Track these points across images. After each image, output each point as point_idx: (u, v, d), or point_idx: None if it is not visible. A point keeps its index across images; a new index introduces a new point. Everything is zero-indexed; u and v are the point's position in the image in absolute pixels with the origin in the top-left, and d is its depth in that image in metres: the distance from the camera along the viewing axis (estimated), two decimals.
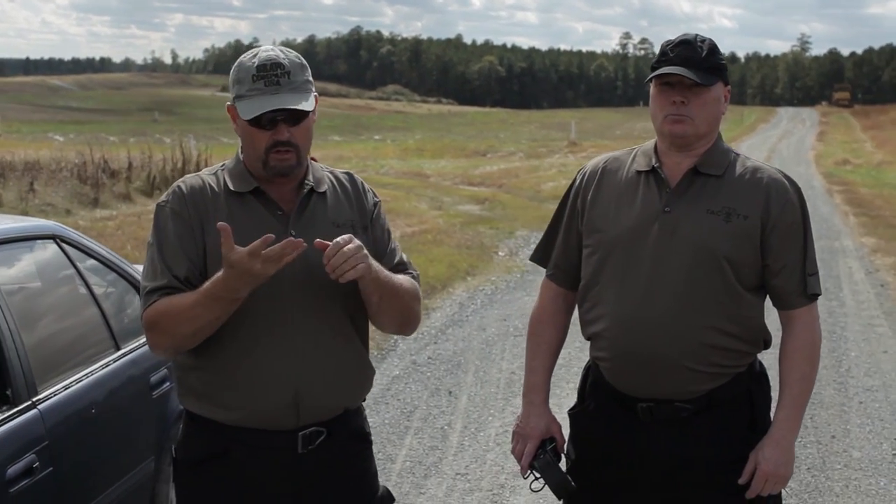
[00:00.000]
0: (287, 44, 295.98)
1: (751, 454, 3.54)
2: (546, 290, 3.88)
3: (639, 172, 3.62)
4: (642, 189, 3.59)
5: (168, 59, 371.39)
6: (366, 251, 3.13)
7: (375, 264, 3.20)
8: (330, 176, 3.47)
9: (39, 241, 4.75)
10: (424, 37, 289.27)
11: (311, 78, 3.34)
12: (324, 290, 3.24)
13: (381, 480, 6.46)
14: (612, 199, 3.64)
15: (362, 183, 3.52)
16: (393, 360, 9.75)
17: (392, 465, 6.95)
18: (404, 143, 54.39)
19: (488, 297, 12.79)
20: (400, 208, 22.39)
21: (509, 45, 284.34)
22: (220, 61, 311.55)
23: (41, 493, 3.89)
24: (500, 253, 16.53)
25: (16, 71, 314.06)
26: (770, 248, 3.52)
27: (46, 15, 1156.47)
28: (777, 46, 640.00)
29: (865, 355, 10.11)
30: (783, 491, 3.67)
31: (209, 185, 3.33)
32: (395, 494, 6.30)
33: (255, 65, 3.24)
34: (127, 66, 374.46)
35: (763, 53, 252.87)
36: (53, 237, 4.79)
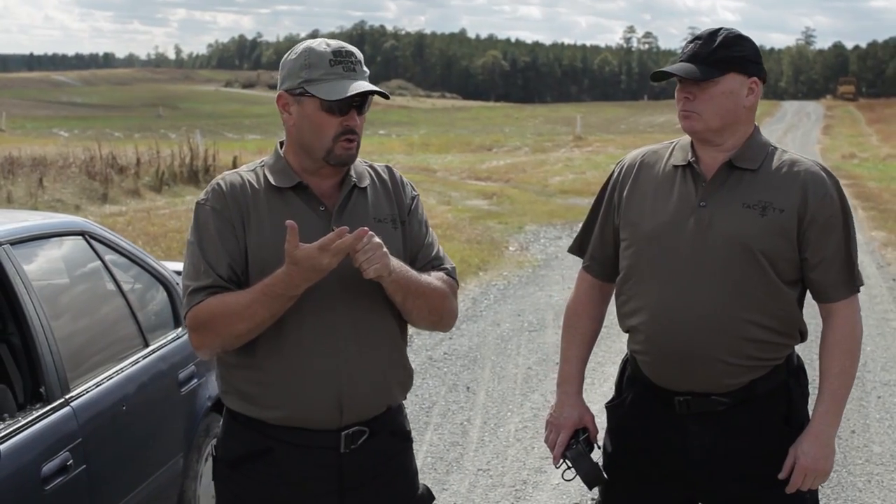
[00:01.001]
0: (291, 38, 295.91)
1: (790, 448, 3.53)
2: (582, 281, 3.88)
3: (675, 167, 3.62)
4: (678, 183, 3.58)
5: (171, 55, 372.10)
6: (385, 251, 3.10)
7: (396, 265, 3.17)
8: (370, 170, 3.46)
9: (69, 238, 4.74)
10: (428, 31, 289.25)
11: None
12: (367, 288, 3.22)
13: None
14: (649, 192, 3.63)
15: (401, 177, 3.51)
16: (409, 356, 9.69)
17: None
18: (409, 137, 54.32)
19: (501, 293, 12.78)
20: None
21: (513, 40, 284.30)
22: (224, 56, 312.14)
23: (75, 491, 3.89)
24: (510, 248, 16.51)
25: (19, 67, 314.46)
26: (808, 242, 3.50)
27: (49, 10, 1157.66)
28: (781, 40, 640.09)
29: (881, 350, 10.09)
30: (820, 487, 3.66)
31: (249, 181, 3.31)
32: None
33: (331, 50, 3.23)
34: (130, 61, 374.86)
35: (767, 47, 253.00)
36: (82, 233, 4.78)
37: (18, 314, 4.00)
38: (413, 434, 7.21)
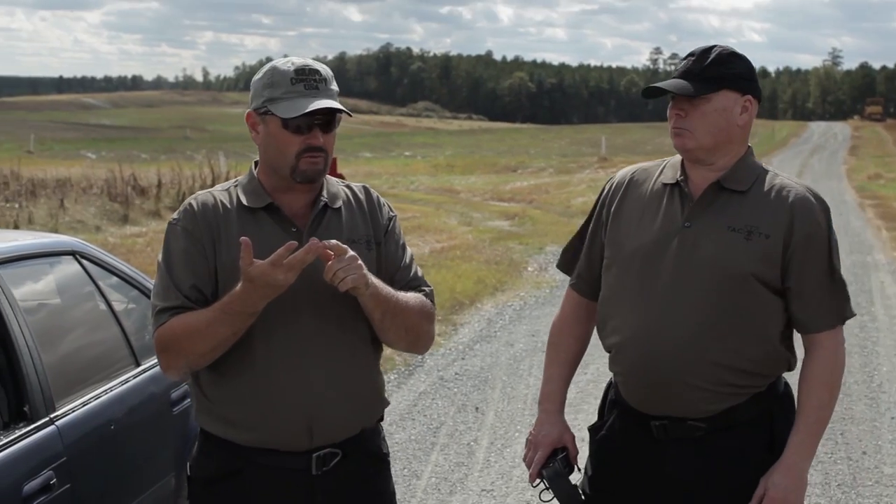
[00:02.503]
0: (318, 61, 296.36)
1: (761, 479, 3.44)
2: (568, 299, 3.83)
3: (665, 185, 3.55)
4: (666, 202, 3.52)
5: (199, 77, 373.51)
6: (360, 263, 3.08)
7: (376, 281, 3.15)
8: (346, 190, 3.43)
9: (59, 257, 4.73)
10: (454, 53, 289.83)
11: (338, 89, 3.33)
12: (337, 308, 3.20)
13: (406, 497, 6.49)
14: (636, 211, 3.57)
15: (378, 197, 3.48)
16: (420, 377, 9.70)
17: (417, 481, 6.90)
18: (435, 159, 54.44)
19: (517, 313, 12.73)
20: (429, 224, 22.42)
21: (539, 61, 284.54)
22: (251, 78, 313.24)
23: None
24: (529, 268, 16.47)
25: (49, 89, 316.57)
26: (791, 270, 3.42)
27: (78, 34, 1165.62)
28: (808, 61, 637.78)
29: None
30: None
31: (221, 201, 3.30)
32: None
33: (293, 69, 3.22)
34: (158, 83, 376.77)
35: (794, 68, 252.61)
36: (73, 253, 4.76)
37: (3, 333, 3.98)
38: (419, 454, 7.30)
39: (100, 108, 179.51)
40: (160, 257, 3.28)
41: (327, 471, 3.26)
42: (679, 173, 3.53)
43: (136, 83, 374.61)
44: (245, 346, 3.16)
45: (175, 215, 3.32)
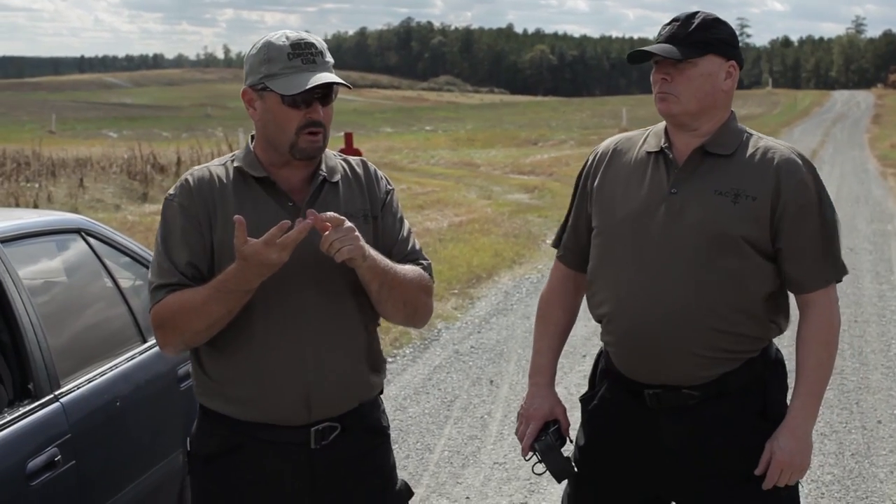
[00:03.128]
0: (338, 37, 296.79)
1: (766, 443, 3.43)
2: (556, 271, 3.83)
3: (648, 153, 3.54)
4: (651, 170, 3.51)
5: (220, 55, 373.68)
6: (357, 234, 3.07)
7: (373, 253, 3.15)
8: (343, 164, 3.42)
9: (64, 235, 4.75)
10: (475, 27, 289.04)
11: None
12: (335, 282, 3.21)
13: (419, 471, 6.51)
14: (621, 180, 3.56)
15: (375, 170, 3.47)
16: (435, 350, 9.72)
17: (430, 454, 6.91)
18: (455, 133, 54.34)
19: (534, 286, 12.71)
20: (449, 198, 22.41)
21: (560, 34, 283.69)
22: None
23: (64, 487, 3.87)
24: (547, 241, 16.40)
25: (71, 69, 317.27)
26: (782, 231, 3.41)
27: (99, 13, 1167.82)
28: (831, 29, 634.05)
29: None
30: (801, 484, 3.56)
31: (217, 176, 3.29)
32: (431, 484, 6.32)
33: (289, 43, 3.19)
34: (179, 62, 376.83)
35: (817, 37, 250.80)
36: (78, 231, 4.77)
37: (7, 311, 4.00)
38: (432, 428, 7.31)
39: (121, 87, 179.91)
40: (157, 233, 3.28)
41: (326, 444, 3.26)
42: (663, 140, 3.52)
43: (157, 62, 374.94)
44: (243, 321, 3.17)
45: (171, 191, 3.32)
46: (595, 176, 3.65)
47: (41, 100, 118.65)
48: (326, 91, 3.19)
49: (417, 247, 3.45)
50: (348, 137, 13.60)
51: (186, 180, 3.30)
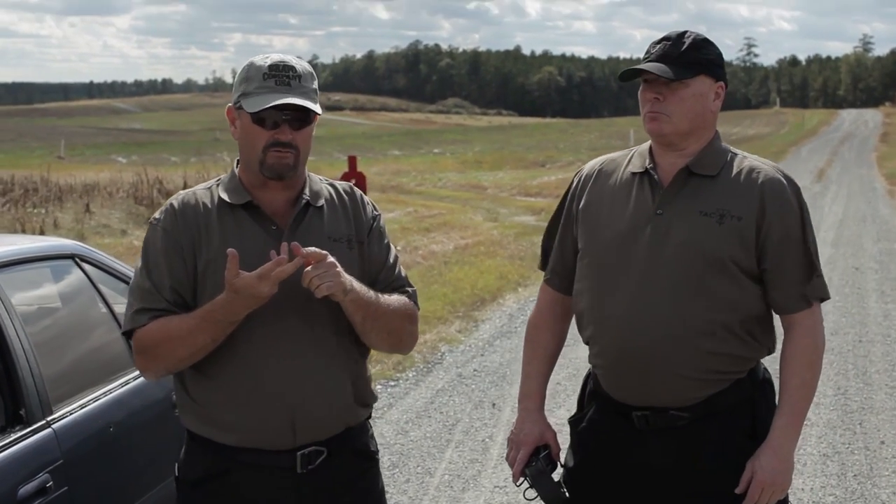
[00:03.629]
0: (346, 60, 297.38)
1: (748, 462, 3.42)
2: (543, 294, 3.82)
3: (633, 174, 3.55)
4: (636, 191, 3.51)
5: (229, 79, 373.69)
6: (339, 270, 3.08)
7: (356, 286, 3.16)
8: (329, 189, 3.43)
9: (58, 261, 4.75)
10: (483, 49, 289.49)
11: (318, 89, 3.32)
12: (321, 307, 3.20)
13: (419, 495, 6.48)
14: (606, 201, 3.56)
15: (362, 196, 3.47)
16: (438, 374, 9.70)
17: (430, 478, 6.89)
18: (463, 155, 54.30)
19: None
20: (455, 220, 22.41)
21: (568, 55, 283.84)
22: None
23: None
24: None
25: (80, 94, 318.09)
26: (766, 251, 3.41)
27: (108, 38, 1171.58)
28: (838, 48, 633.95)
29: None
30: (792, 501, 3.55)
31: (202, 200, 3.31)
32: None
33: (267, 64, 3.22)
34: (188, 86, 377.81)
35: (824, 56, 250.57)
36: (72, 256, 4.79)
37: None
38: (433, 451, 7.29)
39: (130, 113, 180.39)
40: (140, 257, 3.29)
41: (313, 469, 3.26)
42: (647, 161, 3.52)
43: (166, 86, 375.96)
44: (227, 345, 3.17)
45: (157, 215, 3.34)
46: (580, 198, 3.65)
47: (51, 125, 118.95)
48: (300, 115, 3.21)
49: (403, 273, 3.46)
50: (352, 161, 13.62)
51: (171, 205, 3.32)
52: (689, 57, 3.41)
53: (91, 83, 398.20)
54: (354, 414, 3.36)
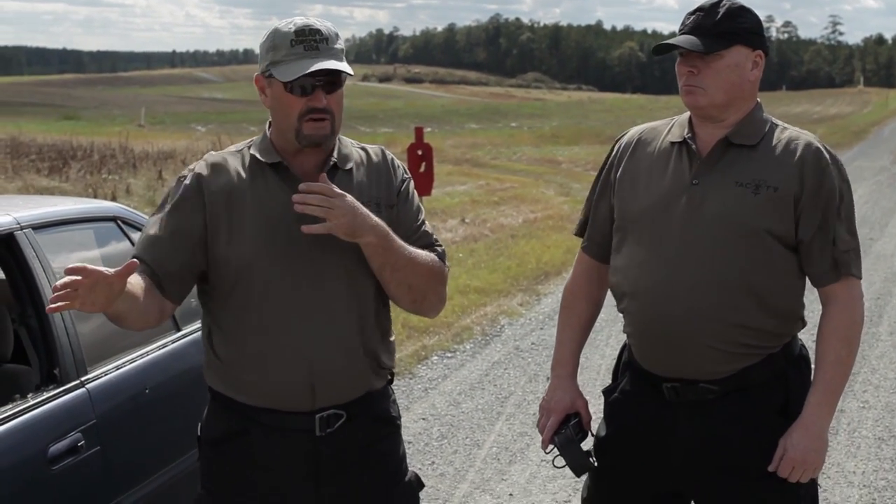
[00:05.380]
0: (427, 33, 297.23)
1: (780, 440, 3.36)
2: (580, 262, 3.78)
3: (672, 144, 3.49)
4: (674, 161, 3.46)
5: None
6: (346, 210, 3.05)
7: (380, 230, 3.13)
8: (360, 152, 3.40)
9: (100, 223, 4.79)
10: (564, 24, 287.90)
11: (344, 49, 3.28)
12: (344, 270, 3.20)
13: (465, 467, 6.48)
14: (644, 170, 3.51)
15: (393, 159, 3.45)
16: (496, 346, 9.68)
17: (478, 450, 6.88)
18: (540, 130, 54.04)
19: None
20: (526, 194, 22.34)
21: (649, 31, 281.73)
22: (361, 51, 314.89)
23: (87, 471, 3.92)
24: None
25: (162, 63, 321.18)
26: (802, 222, 3.34)
27: (190, 8, 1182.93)
28: None
29: None
30: (820, 482, 3.49)
31: (232, 161, 3.30)
32: (476, 480, 6.29)
33: (293, 30, 3.18)
34: None
35: None
36: (115, 219, 4.82)
37: (36, 298, 4.05)
38: (483, 423, 7.27)
39: (212, 82, 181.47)
40: (162, 206, 3.29)
41: (332, 432, 3.25)
42: (686, 131, 3.47)
43: (247, 56, 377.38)
44: (249, 306, 3.18)
45: (185, 171, 3.33)
46: (618, 167, 3.60)
47: (133, 94, 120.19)
48: (332, 78, 3.17)
49: (434, 237, 3.42)
50: (418, 132, 13.59)
51: (201, 164, 3.31)
52: (722, 27, 3.35)
53: (174, 52, 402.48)
54: (374, 378, 3.34)
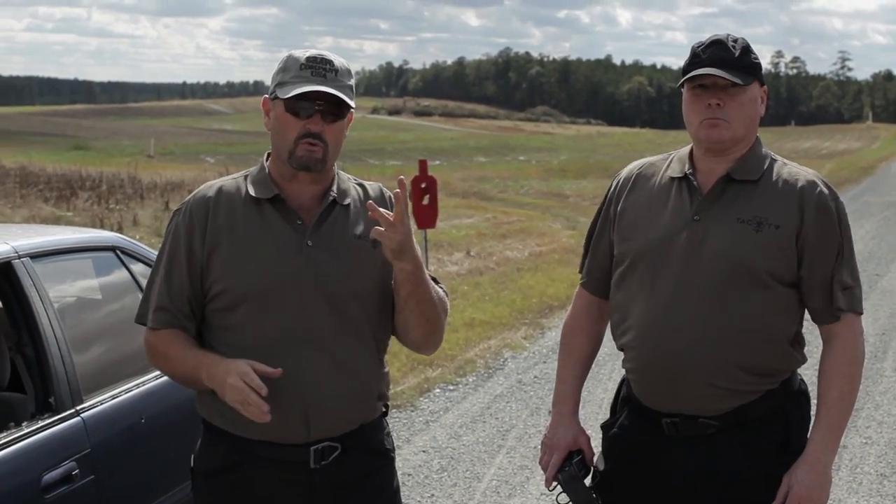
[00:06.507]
0: (437, 66, 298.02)
1: (784, 476, 3.35)
2: (579, 298, 3.78)
3: (672, 179, 3.49)
4: (674, 196, 3.46)
5: None
6: (409, 228, 3.10)
7: (419, 261, 3.17)
8: (357, 189, 3.41)
9: (99, 253, 4.80)
10: (573, 58, 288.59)
11: (353, 87, 3.31)
12: (339, 303, 3.21)
13: (465, 500, 6.45)
14: (644, 206, 3.51)
15: (390, 196, 3.44)
16: (498, 379, 9.67)
17: (478, 483, 6.86)
18: (548, 163, 54.14)
19: None
20: (533, 228, 22.36)
21: (658, 66, 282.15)
22: (371, 84, 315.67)
23: (81, 501, 3.91)
24: None
25: (172, 95, 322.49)
26: (804, 259, 3.34)
27: (200, 40, 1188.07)
28: None
29: None
30: None
31: (228, 192, 3.31)
32: None
33: (306, 56, 3.23)
34: None
35: None
36: (114, 248, 4.83)
37: (32, 327, 4.06)
38: (483, 457, 7.25)
39: (221, 114, 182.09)
40: (162, 247, 3.33)
41: (326, 465, 3.24)
42: (687, 166, 3.46)
43: (257, 88, 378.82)
44: (243, 336, 3.19)
45: (181, 205, 3.34)
46: (618, 202, 3.60)
47: (143, 124, 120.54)
48: (334, 109, 3.20)
49: (433, 275, 3.42)
50: (422, 164, 13.58)
51: (196, 195, 3.33)
52: (744, 61, 3.38)
53: (184, 83, 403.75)
54: (369, 411, 3.34)
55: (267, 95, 3.31)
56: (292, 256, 3.18)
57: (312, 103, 3.16)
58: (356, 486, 3.30)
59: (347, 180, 3.42)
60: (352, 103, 3.23)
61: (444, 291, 3.40)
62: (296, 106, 3.17)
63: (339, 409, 3.23)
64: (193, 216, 3.26)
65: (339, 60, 3.26)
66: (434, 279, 3.38)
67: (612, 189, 3.65)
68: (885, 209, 26.96)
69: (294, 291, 3.16)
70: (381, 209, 3.08)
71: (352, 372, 3.24)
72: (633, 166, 3.67)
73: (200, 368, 3.16)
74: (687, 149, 3.53)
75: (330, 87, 3.18)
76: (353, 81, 3.30)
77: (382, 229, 3.06)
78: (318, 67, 3.20)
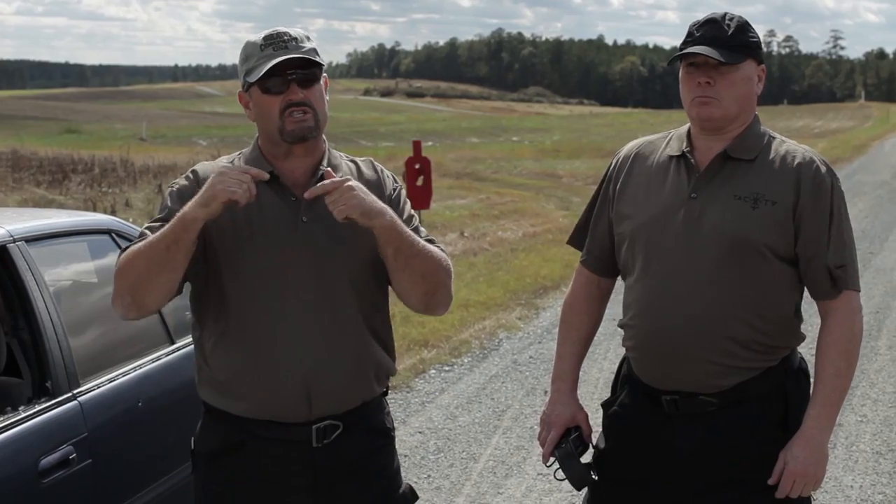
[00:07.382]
0: (429, 47, 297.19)
1: (780, 453, 3.37)
2: (579, 276, 3.79)
3: (670, 157, 3.50)
4: (672, 174, 3.47)
5: None
6: (356, 192, 3.04)
7: (388, 212, 3.11)
8: (349, 164, 3.41)
9: (95, 236, 4.78)
10: (565, 38, 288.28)
11: (317, 49, 3.27)
12: (337, 277, 3.20)
13: (461, 480, 6.46)
14: (642, 184, 3.52)
15: (382, 169, 3.45)
16: (494, 360, 9.67)
17: (474, 464, 6.87)
18: (541, 144, 54.13)
19: None
20: (526, 208, 22.35)
21: (651, 45, 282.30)
22: (363, 65, 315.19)
23: (78, 485, 3.91)
24: None
25: (164, 78, 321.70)
26: (800, 235, 3.35)
27: (192, 23, 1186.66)
28: None
29: None
30: (813, 495, 3.49)
31: None
32: (472, 494, 6.28)
33: (262, 36, 3.23)
34: None
35: None
36: (109, 231, 4.82)
37: (28, 310, 4.05)
38: (479, 437, 7.26)
39: (213, 96, 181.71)
40: (163, 205, 3.26)
41: (328, 443, 3.24)
42: (685, 144, 3.47)
43: None
44: (244, 315, 3.18)
45: (175, 180, 3.33)
46: (617, 181, 3.61)
47: (135, 108, 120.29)
48: (306, 74, 3.19)
49: (430, 237, 3.39)
50: (416, 145, 13.62)
51: (193, 171, 3.32)
52: (737, 40, 3.37)
53: (176, 66, 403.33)
54: (370, 388, 3.33)
55: (241, 90, 3.29)
56: (288, 233, 3.17)
57: (284, 76, 3.15)
58: (358, 464, 3.31)
59: (339, 157, 3.41)
60: (322, 61, 3.22)
61: (442, 249, 3.34)
62: (269, 84, 3.16)
63: (341, 386, 3.23)
64: (188, 191, 3.20)
65: (295, 30, 3.26)
66: (431, 240, 3.35)
67: (611, 168, 3.66)
68: (878, 188, 26.98)
69: (291, 267, 3.15)
70: (321, 183, 3.07)
71: (352, 349, 3.24)
72: (632, 145, 3.67)
73: (176, 221, 3.02)
74: (685, 127, 3.54)
75: (294, 54, 3.17)
76: (314, 45, 3.27)
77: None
78: (278, 42, 3.19)
